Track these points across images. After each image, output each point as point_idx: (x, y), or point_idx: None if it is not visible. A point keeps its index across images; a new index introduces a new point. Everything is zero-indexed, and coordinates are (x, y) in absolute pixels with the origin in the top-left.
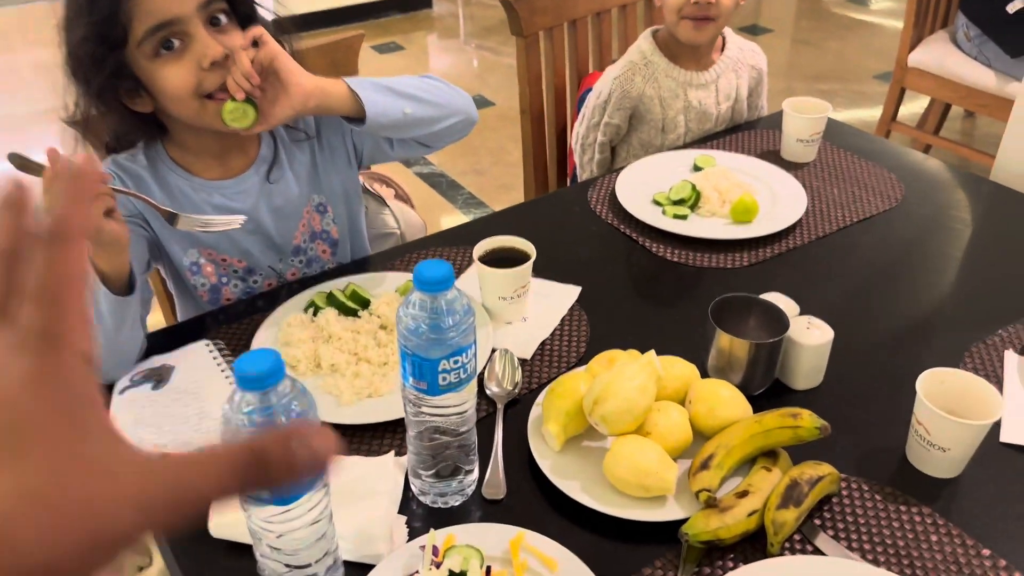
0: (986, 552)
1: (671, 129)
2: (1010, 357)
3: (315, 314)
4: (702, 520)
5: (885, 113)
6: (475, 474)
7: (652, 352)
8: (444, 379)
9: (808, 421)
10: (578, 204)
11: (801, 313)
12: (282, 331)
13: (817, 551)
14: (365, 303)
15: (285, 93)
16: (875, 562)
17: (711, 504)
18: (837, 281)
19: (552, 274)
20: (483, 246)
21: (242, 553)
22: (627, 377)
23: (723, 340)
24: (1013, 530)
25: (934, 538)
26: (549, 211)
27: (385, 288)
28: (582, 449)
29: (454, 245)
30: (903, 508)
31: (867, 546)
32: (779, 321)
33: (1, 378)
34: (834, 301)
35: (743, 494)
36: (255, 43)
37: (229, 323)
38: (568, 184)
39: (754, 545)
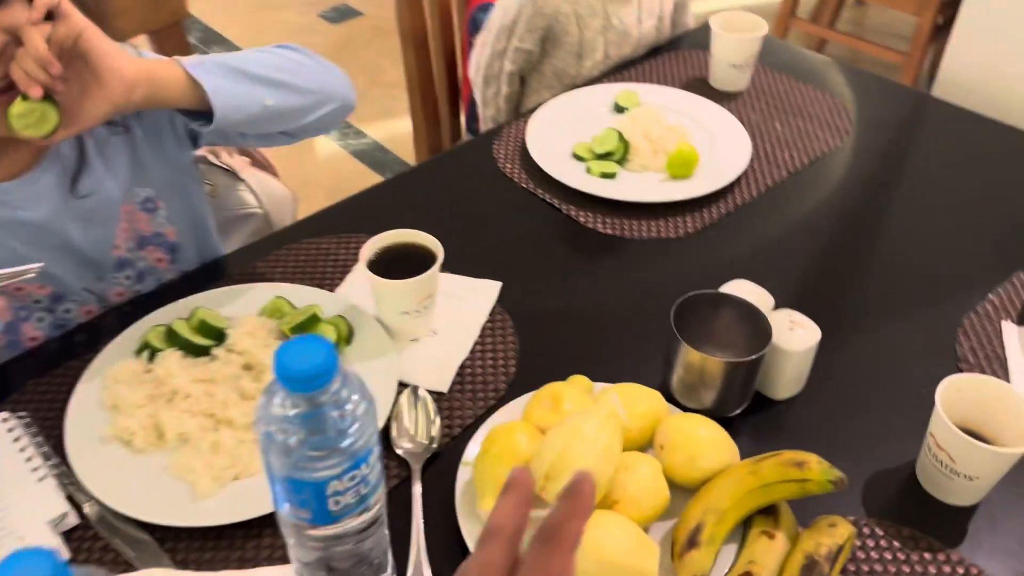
0: None
1: (588, 54)
2: (1009, 330)
3: (151, 359)
4: None
5: (783, 10)
6: None
7: (613, 396)
8: (337, 503)
9: (818, 473)
10: (484, 164)
11: (776, 305)
12: (107, 390)
13: None
14: (219, 335)
15: (99, 84)
16: None
17: None
18: (799, 246)
19: (462, 264)
20: (374, 246)
21: None
22: (586, 440)
23: (692, 357)
24: None
25: None
26: (449, 175)
27: (245, 308)
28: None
29: (334, 232)
30: (927, 556)
31: None
32: (756, 323)
33: None
34: (800, 276)
35: None
36: (50, 15)
37: (38, 376)
38: (464, 116)
39: None
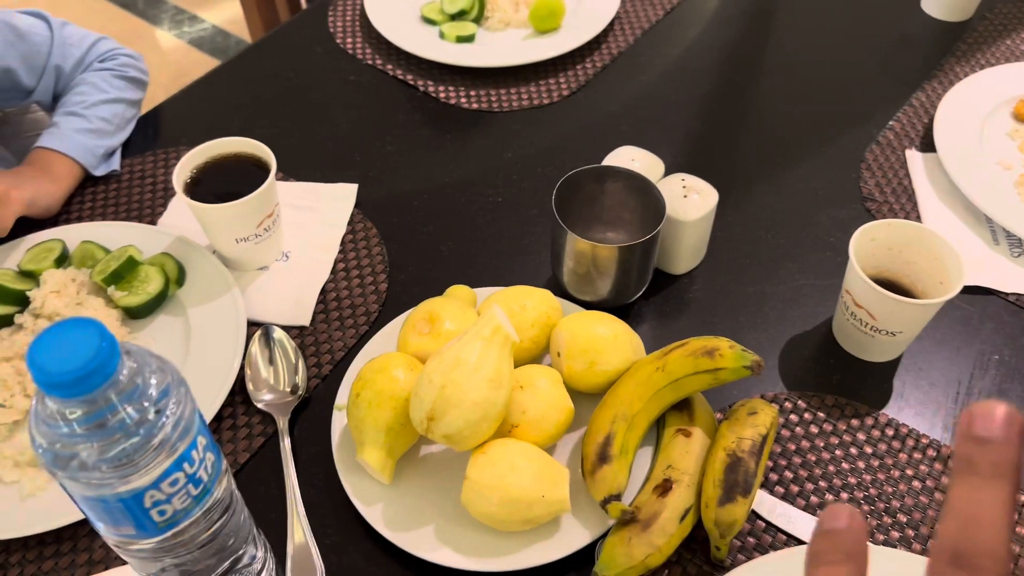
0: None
1: None
2: (914, 159)
3: None
4: (622, 549)
5: None
6: (262, 558)
7: (496, 311)
8: (164, 512)
9: (731, 360)
10: (319, 41)
11: (667, 171)
12: None
13: (778, 532)
14: (21, 299)
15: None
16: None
17: (628, 519)
18: (684, 97)
19: (307, 167)
20: (189, 164)
21: None
22: (470, 369)
23: (581, 246)
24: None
25: (903, 456)
26: (277, 61)
27: (46, 260)
28: (422, 466)
29: (148, 149)
30: (855, 423)
31: (829, 496)
32: (648, 195)
33: None
34: (689, 132)
35: (665, 487)
36: None
37: None
38: None
39: (689, 551)
